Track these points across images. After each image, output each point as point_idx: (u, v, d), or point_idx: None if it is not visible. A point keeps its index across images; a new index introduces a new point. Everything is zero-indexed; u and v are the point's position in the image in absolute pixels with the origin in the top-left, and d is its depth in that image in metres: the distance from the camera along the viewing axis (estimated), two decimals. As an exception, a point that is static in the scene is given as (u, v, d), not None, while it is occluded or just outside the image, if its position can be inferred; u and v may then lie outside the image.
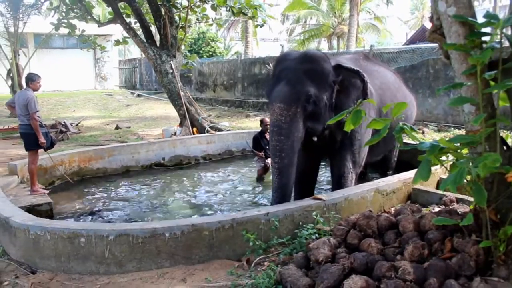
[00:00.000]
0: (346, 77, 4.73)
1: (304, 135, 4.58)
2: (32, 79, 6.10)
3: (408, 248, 3.07)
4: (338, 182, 5.12)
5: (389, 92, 5.49)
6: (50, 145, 6.29)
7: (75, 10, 12.45)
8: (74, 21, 12.99)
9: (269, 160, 7.11)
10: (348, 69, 4.77)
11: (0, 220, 4.33)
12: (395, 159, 6.74)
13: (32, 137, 5.97)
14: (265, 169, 7.26)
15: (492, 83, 2.76)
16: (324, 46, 33.66)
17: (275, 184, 4.47)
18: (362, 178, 6.08)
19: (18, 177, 6.40)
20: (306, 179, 5.38)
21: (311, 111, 4.47)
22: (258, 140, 7.35)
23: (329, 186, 6.39)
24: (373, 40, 28.61)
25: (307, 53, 4.83)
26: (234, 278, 3.49)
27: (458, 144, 2.82)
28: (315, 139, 4.94)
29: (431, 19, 3.16)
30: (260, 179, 7.32)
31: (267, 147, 7.11)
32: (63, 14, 12.68)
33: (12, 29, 17.18)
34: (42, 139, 5.96)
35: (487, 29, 2.79)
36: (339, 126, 4.69)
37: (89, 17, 12.32)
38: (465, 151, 2.99)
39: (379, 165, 6.88)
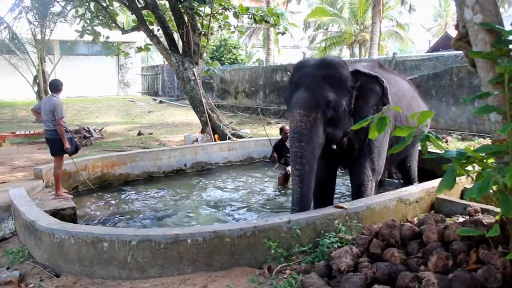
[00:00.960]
0: (364, 82, 4.73)
1: (324, 141, 4.56)
2: (57, 86, 6.26)
3: (432, 259, 3.02)
4: (357, 191, 5.08)
5: (405, 100, 5.43)
6: (75, 150, 6.41)
7: (100, 18, 12.70)
8: (99, 28, 13.24)
9: (289, 168, 7.10)
10: (366, 74, 4.77)
11: (26, 224, 4.42)
12: (414, 167, 6.51)
13: (58, 143, 6.09)
14: (286, 176, 7.25)
15: (519, 92, 2.71)
16: (345, 54, 33.53)
17: (296, 193, 4.41)
18: (379, 185, 6.02)
19: (43, 181, 6.51)
20: (325, 187, 5.37)
21: (330, 116, 4.46)
22: (279, 148, 7.35)
23: (347, 194, 6.36)
24: (396, 47, 28.42)
25: (325, 59, 4.85)
26: (256, 285, 3.48)
27: (484, 153, 2.78)
28: (334, 146, 4.94)
29: (456, 27, 3.12)
30: (281, 186, 7.30)
31: (287, 155, 7.10)
32: (88, 21, 12.94)
33: (39, 37, 17.56)
34: (67, 145, 6.08)
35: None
36: (357, 133, 4.75)
37: (113, 24, 12.53)
38: (491, 160, 2.95)
39: (400, 173, 6.85)
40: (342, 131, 4.65)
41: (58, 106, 5.99)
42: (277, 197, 6.91)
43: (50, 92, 6.28)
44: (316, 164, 4.49)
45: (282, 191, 7.16)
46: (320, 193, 5.39)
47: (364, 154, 5.01)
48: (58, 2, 14.49)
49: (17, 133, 13.14)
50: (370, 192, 5.04)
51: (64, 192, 6.21)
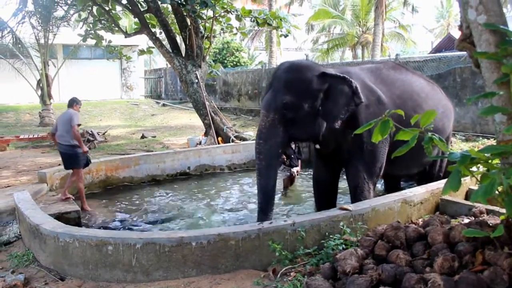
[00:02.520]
0: (332, 84, 4.73)
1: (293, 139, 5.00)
2: (77, 102, 6.52)
3: (438, 260, 3.01)
4: (353, 193, 5.14)
5: (411, 102, 5.30)
6: (86, 163, 6.54)
7: (102, 22, 12.75)
8: (101, 32, 13.28)
9: (295, 169, 7.10)
10: (333, 76, 4.76)
11: (30, 227, 4.43)
12: (441, 174, 6.23)
13: (72, 157, 6.29)
14: (290, 178, 7.23)
15: (524, 92, 2.70)
16: (348, 56, 33.54)
17: (257, 185, 4.77)
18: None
19: (47, 185, 6.53)
20: (325, 189, 5.50)
21: (291, 118, 4.61)
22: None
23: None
24: (398, 49, 28.40)
25: (294, 63, 4.99)
26: (260, 288, 3.48)
27: (489, 154, 2.76)
28: (318, 146, 5.17)
29: (460, 27, 3.11)
30: (286, 188, 7.29)
31: (292, 156, 7.09)
32: (91, 25, 12.99)
33: (42, 41, 17.62)
34: (84, 148, 6.29)
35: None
36: (344, 135, 4.83)
37: (116, 28, 12.56)
38: (496, 161, 2.93)
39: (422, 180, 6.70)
40: (309, 131, 4.78)
41: (75, 115, 6.23)
42: (281, 199, 6.90)
43: (67, 108, 6.54)
44: (276, 161, 4.88)
45: (287, 193, 7.15)
46: (320, 194, 5.58)
47: (356, 157, 5.03)
48: (61, 6, 14.56)
49: (21, 137, 13.17)
50: (368, 194, 5.03)
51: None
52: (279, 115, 4.61)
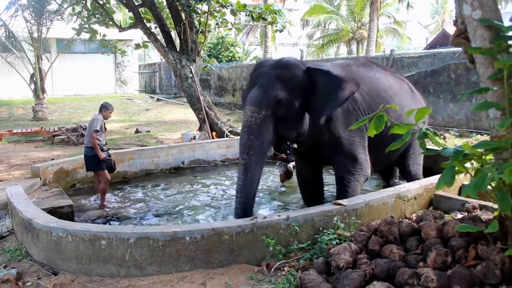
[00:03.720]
0: (317, 79, 4.70)
1: (277, 139, 4.74)
2: (107, 108, 6.54)
3: (431, 255, 3.02)
4: (337, 189, 5.19)
5: (378, 99, 5.20)
6: (110, 169, 6.57)
7: (97, 16, 12.66)
8: (95, 26, 13.19)
9: (291, 165, 7.10)
10: (318, 70, 4.75)
11: (23, 222, 4.40)
12: (413, 170, 6.13)
13: (92, 159, 6.36)
14: (287, 173, 7.24)
15: (518, 88, 2.70)
16: (343, 51, 33.54)
17: (240, 181, 4.52)
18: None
19: (40, 179, 6.49)
20: (309, 183, 5.61)
21: (281, 115, 4.55)
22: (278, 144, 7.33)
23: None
24: (393, 44, 28.38)
25: (281, 59, 4.94)
26: (254, 283, 3.48)
27: (483, 150, 2.77)
28: (295, 145, 5.13)
29: (455, 23, 3.11)
30: (282, 183, 7.29)
31: (288, 151, 7.08)
32: (85, 19, 12.90)
33: (35, 35, 17.51)
34: (101, 155, 6.28)
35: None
36: (320, 132, 4.87)
37: (110, 22, 12.49)
38: (489, 157, 2.94)
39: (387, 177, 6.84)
40: (296, 130, 4.73)
41: (95, 120, 6.28)
42: (277, 194, 6.90)
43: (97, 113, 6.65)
44: (264, 159, 4.68)
45: (283, 188, 7.16)
46: (305, 188, 5.70)
47: (335, 154, 5.06)
48: (54, 0, 14.44)
49: (14, 131, 13.12)
50: (353, 191, 5.01)
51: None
52: (271, 112, 4.52)
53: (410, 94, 5.96)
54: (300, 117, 4.69)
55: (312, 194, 5.60)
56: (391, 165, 6.33)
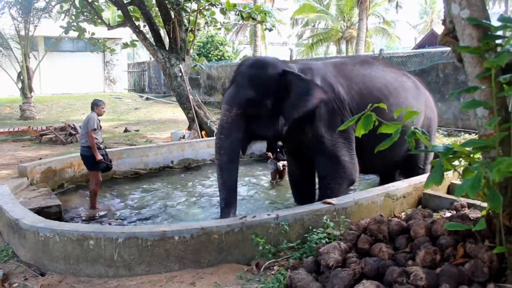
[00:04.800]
0: (290, 82, 4.67)
1: (252, 137, 4.83)
2: (97, 104, 6.34)
3: (420, 253, 3.03)
4: (319, 191, 5.16)
5: (370, 98, 4.85)
6: (106, 168, 6.45)
7: (85, 13, 12.58)
8: (84, 24, 13.09)
9: (281, 163, 7.11)
10: (292, 74, 4.73)
11: (10, 222, 4.35)
12: (421, 170, 5.89)
13: (90, 159, 6.19)
14: (278, 172, 7.25)
15: (505, 87, 2.72)
16: (332, 50, 33.63)
17: (218, 181, 4.69)
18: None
19: (27, 179, 6.42)
20: (299, 181, 5.61)
21: (252, 114, 4.60)
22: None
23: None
24: (383, 44, 28.54)
25: (258, 59, 5.04)
26: (244, 282, 3.47)
27: (471, 148, 2.78)
28: (280, 143, 5.29)
29: (443, 22, 3.12)
30: (273, 181, 7.30)
31: (278, 150, 7.10)
32: (73, 17, 12.80)
33: (23, 32, 17.32)
34: (98, 156, 6.12)
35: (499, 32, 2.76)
36: (303, 132, 4.85)
37: (98, 20, 12.41)
38: (477, 155, 2.96)
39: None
40: (269, 129, 4.75)
41: (91, 119, 6.11)
42: (267, 193, 6.90)
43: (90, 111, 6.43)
44: (237, 156, 4.74)
45: (273, 186, 7.16)
46: (295, 186, 5.69)
47: (319, 154, 5.01)
48: (42, -3, 14.30)
49: (1, 130, 12.96)
50: (333, 195, 4.76)
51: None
52: (241, 111, 4.57)
53: (414, 92, 5.74)
54: (274, 117, 4.70)
55: (303, 193, 5.57)
56: (393, 169, 6.12)
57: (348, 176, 5.05)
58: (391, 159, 5.58)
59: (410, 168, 5.89)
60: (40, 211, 5.09)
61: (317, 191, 5.48)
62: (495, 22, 2.75)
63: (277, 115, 4.70)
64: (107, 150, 6.63)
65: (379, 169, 6.11)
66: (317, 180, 5.46)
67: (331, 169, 4.99)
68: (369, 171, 6.36)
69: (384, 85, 5.38)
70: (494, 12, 26.18)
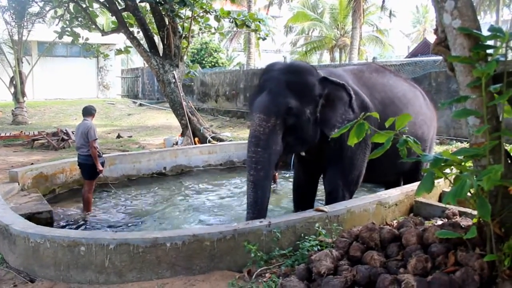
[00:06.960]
0: (331, 90, 4.55)
1: (285, 149, 4.47)
2: (93, 112, 6.37)
3: (411, 261, 3.04)
4: (328, 200, 5.01)
5: (393, 106, 5.09)
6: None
7: (79, 19, 12.57)
8: (78, 30, 13.08)
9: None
10: (333, 82, 4.56)
11: (0, 228, 4.31)
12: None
13: (90, 168, 6.16)
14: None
15: (496, 96, 2.74)
16: (326, 58, 33.79)
17: (250, 198, 4.33)
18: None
19: (18, 184, 6.37)
20: (304, 192, 5.40)
21: (291, 124, 4.34)
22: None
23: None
24: (376, 52, 28.68)
25: (292, 64, 4.75)
26: (235, 289, 3.46)
27: (462, 157, 2.80)
28: (303, 153, 4.94)
29: (435, 31, 3.15)
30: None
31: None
32: (67, 22, 12.79)
33: (16, 37, 17.26)
34: (100, 167, 6.13)
35: (490, 42, 2.80)
36: (329, 142, 4.56)
37: (93, 26, 12.40)
38: (468, 164, 2.98)
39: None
40: (305, 140, 4.55)
41: (91, 129, 6.06)
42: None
43: (82, 118, 6.38)
44: (272, 170, 4.43)
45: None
46: (299, 198, 5.47)
47: (335, 163, 4.90)
48: (36, 2, 14.28)
49: (-8, 135, 12.87)
50: (341, 201, 4.83)
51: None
52: (281, 121, 4.26)
53: (424, 102, 5.81)
54: (311, 126, 4.50)
55: (303, 200, 5.39)
56: (400, 177, 6.07)
57: (353, 188, 5.07)
58: (402, 167, 5.59)
59: (414, 175, 5.87)
60: (31, 217, 5.05)
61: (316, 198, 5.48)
62: (486, 32, 2.78)
63: (313, 125, 4.51)
64: (103, 155, 6.60)
65: (390, 178, 5.96)
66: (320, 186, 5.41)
67: (347, 177, 4.93)
68: (377, 180, 6.24)
69: (403, 94, 5.39)
70: (486, 22, 26.50)
